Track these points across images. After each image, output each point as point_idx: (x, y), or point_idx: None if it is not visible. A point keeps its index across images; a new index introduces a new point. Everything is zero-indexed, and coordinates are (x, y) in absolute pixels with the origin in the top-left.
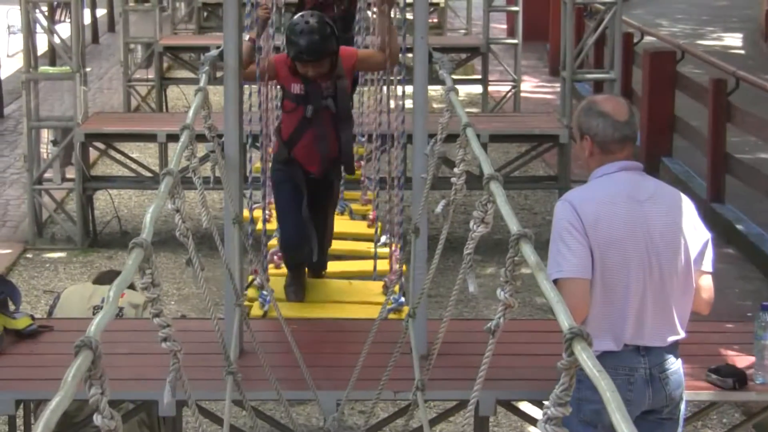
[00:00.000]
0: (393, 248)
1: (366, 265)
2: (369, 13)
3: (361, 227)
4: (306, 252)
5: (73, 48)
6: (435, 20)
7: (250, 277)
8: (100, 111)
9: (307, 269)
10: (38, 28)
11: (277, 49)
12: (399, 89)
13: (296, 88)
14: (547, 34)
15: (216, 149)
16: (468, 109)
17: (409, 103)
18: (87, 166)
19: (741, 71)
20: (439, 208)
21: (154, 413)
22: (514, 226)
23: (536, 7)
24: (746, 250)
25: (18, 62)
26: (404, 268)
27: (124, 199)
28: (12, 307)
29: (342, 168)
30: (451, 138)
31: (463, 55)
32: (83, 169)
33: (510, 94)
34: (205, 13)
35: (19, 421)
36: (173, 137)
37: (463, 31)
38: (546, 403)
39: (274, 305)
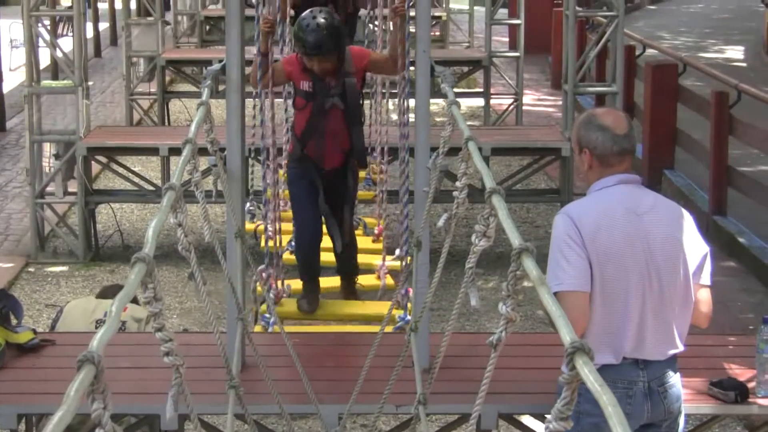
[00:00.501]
0: (403, 263)
1: (371, 280)
2: (371, 26)
3: (366, 242)
4: (317, 257)
5: (76, 62)
6: (437, 33)
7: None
8: (103, 125)
9: (339, 276)
10: (41, 42)
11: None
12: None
13: (305, 85)
14: (549, 47)
15: (218, 163)
16: (470, 122)
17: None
18: (89, 180)
19: (743, 84)
20: (441, 222)
21: (157, 427)
22: (515, 240)
23: (538, 20)
24: (748, 263)
25: (21, 76)
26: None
27: (126, 213)
28: (14, 321)
29: (357, 163)
30: (454, 151)
31: (465, 68)
32: (85, 183)
33: (512, 107)
34: (208, 27)
35: None
36: (175, 151)
37: (465, 44)
38: (548, 417)
39: (279, 326)
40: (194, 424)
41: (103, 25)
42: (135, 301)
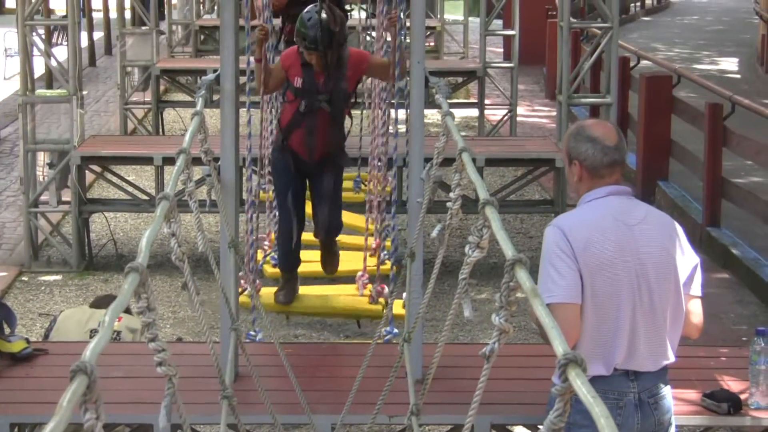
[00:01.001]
0: (380, 243)
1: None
2: (364, 35)
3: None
4: (296, 249)
5: (70, 71)
6: (432, 44)
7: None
8: (97, 134)
9: (318, 235)
10: (35, 51)
11: None
12: (395, 113)
13: (297, 81)
14: (543, 58)
15: (212, 173)
16: (464, 133)
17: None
18: (83, 189)
19: (737, 96)
20: (435, 233)
21: None
22: (509, 251)
23: (533, 31)
24: (742, 275)
25: (15, 85)
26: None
27: (120, 222)
28: (7, 330)
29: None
30: (447, 162)
31: (460, 79)
32: (79, 192)
33: (506, 117)
34: (202, 37)
35: None
36: (170, 160)
37: (460, 54)
38: (541, 428)
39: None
40: None
41: (98, 35)
42: (129, 311)
